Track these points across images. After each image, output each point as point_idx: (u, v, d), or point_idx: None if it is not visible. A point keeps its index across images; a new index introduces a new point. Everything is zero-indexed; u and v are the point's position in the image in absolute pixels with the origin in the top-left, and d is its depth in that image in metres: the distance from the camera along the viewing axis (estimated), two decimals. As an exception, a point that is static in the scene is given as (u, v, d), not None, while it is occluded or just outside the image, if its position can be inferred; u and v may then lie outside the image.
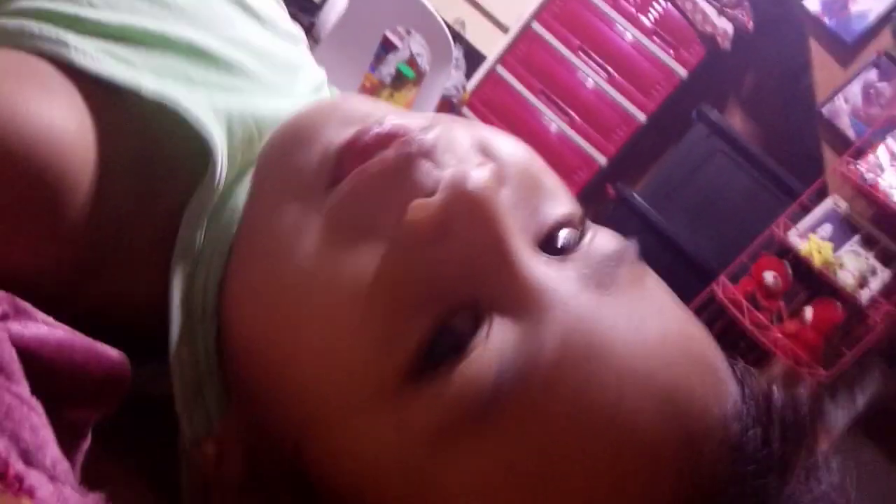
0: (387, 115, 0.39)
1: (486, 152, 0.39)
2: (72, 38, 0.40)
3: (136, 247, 0.41)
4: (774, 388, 0.37)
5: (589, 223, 0.40)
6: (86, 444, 0.31)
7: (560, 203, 0.39)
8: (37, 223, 0.36)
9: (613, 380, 0.33)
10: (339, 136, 0.39)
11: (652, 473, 0.33)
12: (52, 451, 0.28)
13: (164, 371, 0.40)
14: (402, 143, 0.37)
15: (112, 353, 0.32)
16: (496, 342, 0.33)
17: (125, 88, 0.40)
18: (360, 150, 0.38)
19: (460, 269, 0.35)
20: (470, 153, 0.39)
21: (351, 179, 0.37)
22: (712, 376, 0.36)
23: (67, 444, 0.29)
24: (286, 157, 0.40)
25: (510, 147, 0.41)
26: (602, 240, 0.38)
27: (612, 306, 0.35)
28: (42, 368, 0.30)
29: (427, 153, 0.37)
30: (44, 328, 0.31)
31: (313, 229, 0.37)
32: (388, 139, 0.38)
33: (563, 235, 0.38)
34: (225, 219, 0.43)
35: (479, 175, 0.35)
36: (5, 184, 0.35)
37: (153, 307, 0.40)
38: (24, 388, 0.28)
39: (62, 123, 0.37)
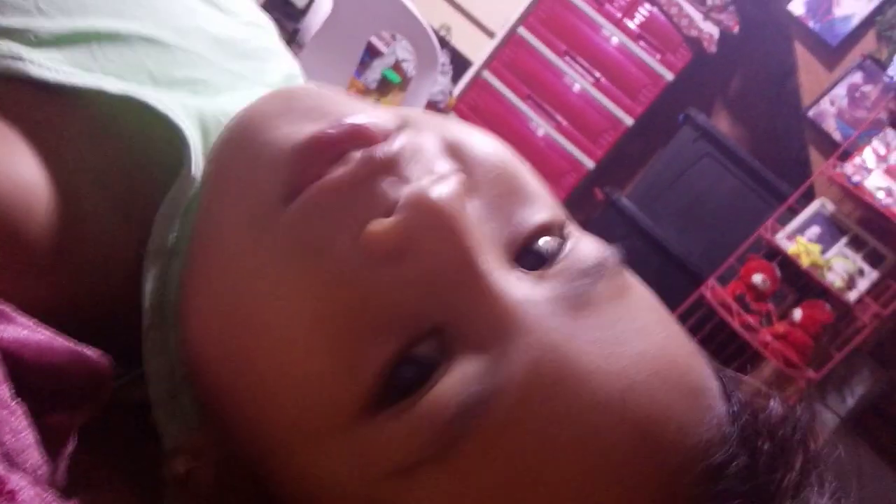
0: (347, 110, 0.36)
1: (456, 155, 0.37)
2: (25, 51, 0.38)
3: (119, 256, 0.40)
4: (768, 404, 0.36)
5: (571, 229, 0.38)
6: (69, 447, 0.31)
7: (538, 208, 0.37)
8: (9, 270, 0.35)
9: (584, 412, 0.31)
10: (292, 136, 0.35)
11: None
12: (34, 454, 0.27)
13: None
14: (361, 158, 0.34)
15: (94, 356, 0.32)
16: (460, 372, 0.31)
17: (88, 92, 0.39)
18: (317, 153, 0.35)
19: (424, 292, 0.33)
20: (437, 160, 0.36)
21: (305, 196, 0.34)
22: (693, 401, 0.33)
23: (50, 448, 0.29)
24: (236, 162, 0.37)
25: (483, 147, 0.38)
26: (583, 250, 0.36)
27: (586, 330, 0.33)
28: (23, 371, 0.29)
29: (389, 165, 0.34)
30: (24, 331, 0.30)
31: (265, 249, 0.34)
32: (348, 139, 0.35)
33: (542, 244, 0.36)
34: None
35: (442, 189, 0.33)
36: None
37: (135, 311, 0.39)
38: (5, 391, 0.28)
39: (20, 173, 0.36)
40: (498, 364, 0.31)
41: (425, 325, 0.33)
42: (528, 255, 0.35)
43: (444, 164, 0.36)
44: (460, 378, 0.31)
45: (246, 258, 0.34)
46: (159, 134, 0.40)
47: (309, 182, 0.34)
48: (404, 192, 0.33)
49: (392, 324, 0.32)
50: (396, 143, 0.35)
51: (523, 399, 0.31)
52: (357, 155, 0.35)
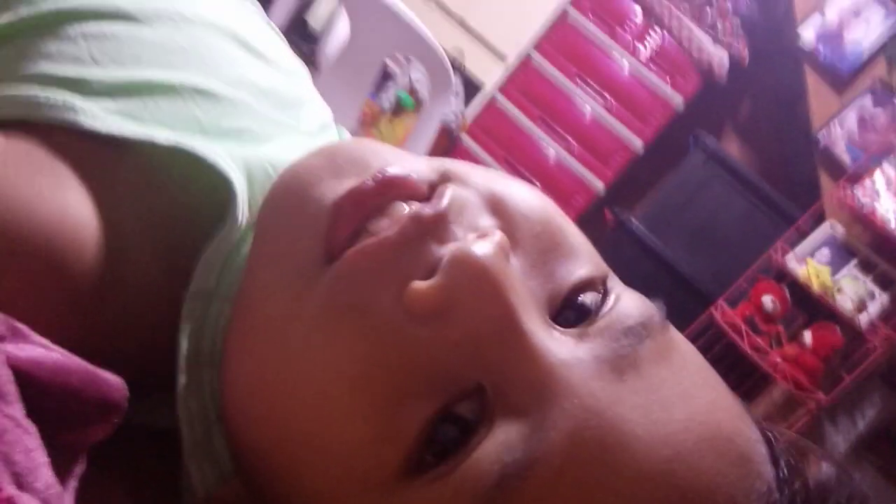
0: (386, 162, 0.36)
1: (499, 210, 0.37)
2: (79, 102, 0.39)
3: (155, 304, 0.40)
4: (819, 468, 0.35)
5: (614, 283, 0.37)
6: (80, 468, 0.31)
7: (581, 263, 0.36)
8: (56, 310, 0.36)
9: (627, 481, 0.30)
10: (332, 192, 0.35)
11: None
12: (45, 474, 0.27)
13: (167, 402, 0.39)
14: (409, 217, 0.34)
15: (108, 377, 0.32)
16: (501, 436, 0.31)
17: (139, 143, 0.39)
18: (356, 207, 0.35)
19: (466, 352, 0.32)
20: (481, 216, 0.36)
21: (350, 257, 0.34)
22: (741, 468, 0.33)
23: (61, 468, 0.29)
24: (279, 220, 0.37)
25: (526, 202, 0.37)
26: (626, 306, 0.35)
27: (630, 395, 0.32)
28: (37, 391, 0.29)
29: (432, 226, 0.34)
30: (40, 350, 0.30)
31: (307, 310, 0.34)
32: (387, 191, 0.35)
33: (584, 299, 0.35)
34: (239, 264, 0.41)
35: (486, 247, 0.33)
36: (24, 273, 0.35)
37: (164, 347, 0.39)
38: (18, 410, 0.28)
39: (75, 210, 0.37)
40: (539, 429, 0.31)
41: (467, 384, 0.32)
42: (570, 310, 0.35)
43: (487, 221, 0.36)
44: (501, 443, 0.31)
45: (288, 318, 0.34)
46: (205, 182, 0.41)
47: (348, 237, 0.34)
48: (448, 250, 0.33)
49: (433, 384, 0.32)
50: (444, 202, 0.35)
51: (564, 466, 0.30)
52: (401, 206, 0.35)
